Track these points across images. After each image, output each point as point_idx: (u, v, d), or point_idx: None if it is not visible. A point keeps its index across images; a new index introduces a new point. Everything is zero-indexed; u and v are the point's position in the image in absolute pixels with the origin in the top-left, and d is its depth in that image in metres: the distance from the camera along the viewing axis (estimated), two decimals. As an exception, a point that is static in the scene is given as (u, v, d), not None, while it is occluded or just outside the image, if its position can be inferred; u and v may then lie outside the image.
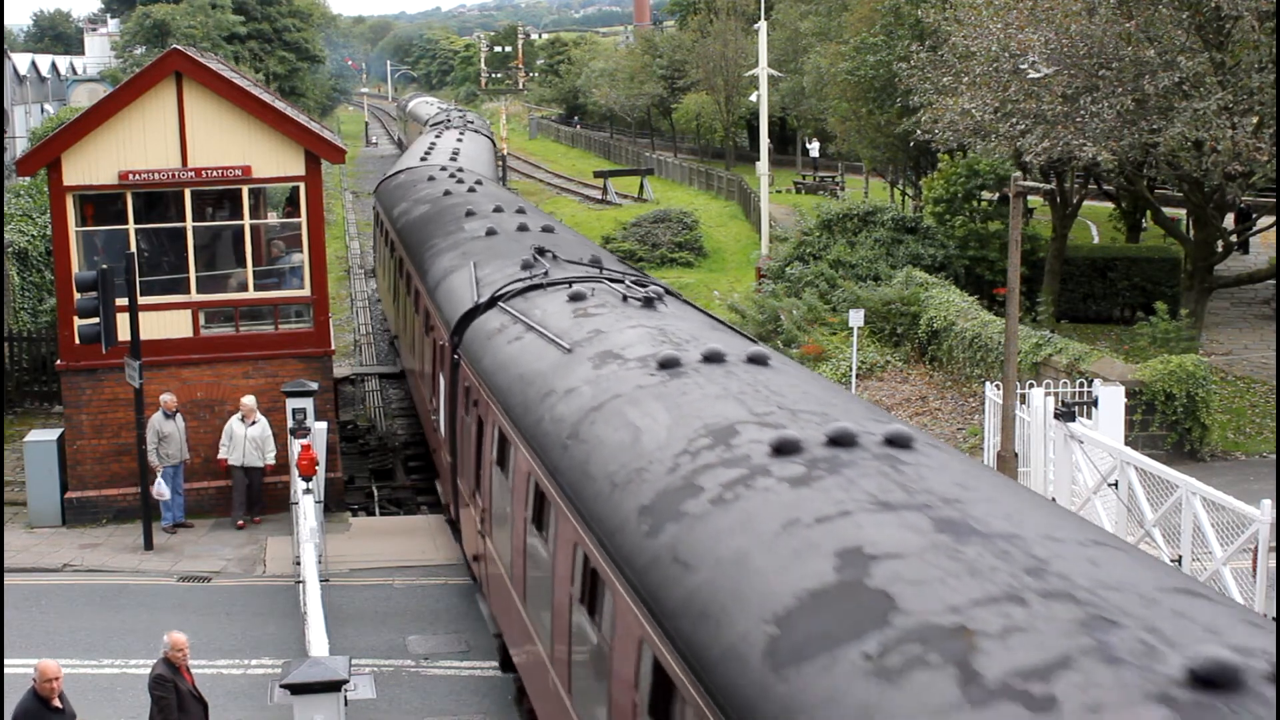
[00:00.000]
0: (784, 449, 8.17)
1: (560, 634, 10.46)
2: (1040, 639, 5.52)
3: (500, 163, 61.56)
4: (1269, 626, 5.92)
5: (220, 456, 21.30)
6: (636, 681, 7.94)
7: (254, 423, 21.15)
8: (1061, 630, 5.57)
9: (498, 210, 23.35)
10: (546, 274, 16.37)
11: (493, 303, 16.00)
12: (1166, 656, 5.28)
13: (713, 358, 10.82)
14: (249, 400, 21.19)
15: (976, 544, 6.55)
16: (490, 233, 20.74)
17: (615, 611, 8.51)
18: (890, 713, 5.36)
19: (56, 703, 11.64)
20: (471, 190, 27.66)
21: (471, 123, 60.29)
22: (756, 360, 10.93)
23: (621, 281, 15.49)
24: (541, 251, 17.60)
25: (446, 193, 27.28)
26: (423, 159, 38.54)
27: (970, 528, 6.80)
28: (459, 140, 45.22)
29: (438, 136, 48.34)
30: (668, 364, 10.80)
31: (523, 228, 21.03)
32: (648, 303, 14.02)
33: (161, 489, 20.55)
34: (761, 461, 8.15)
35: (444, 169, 33.22)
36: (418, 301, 22.09)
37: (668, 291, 15.81)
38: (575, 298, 14.56)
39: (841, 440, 8.15)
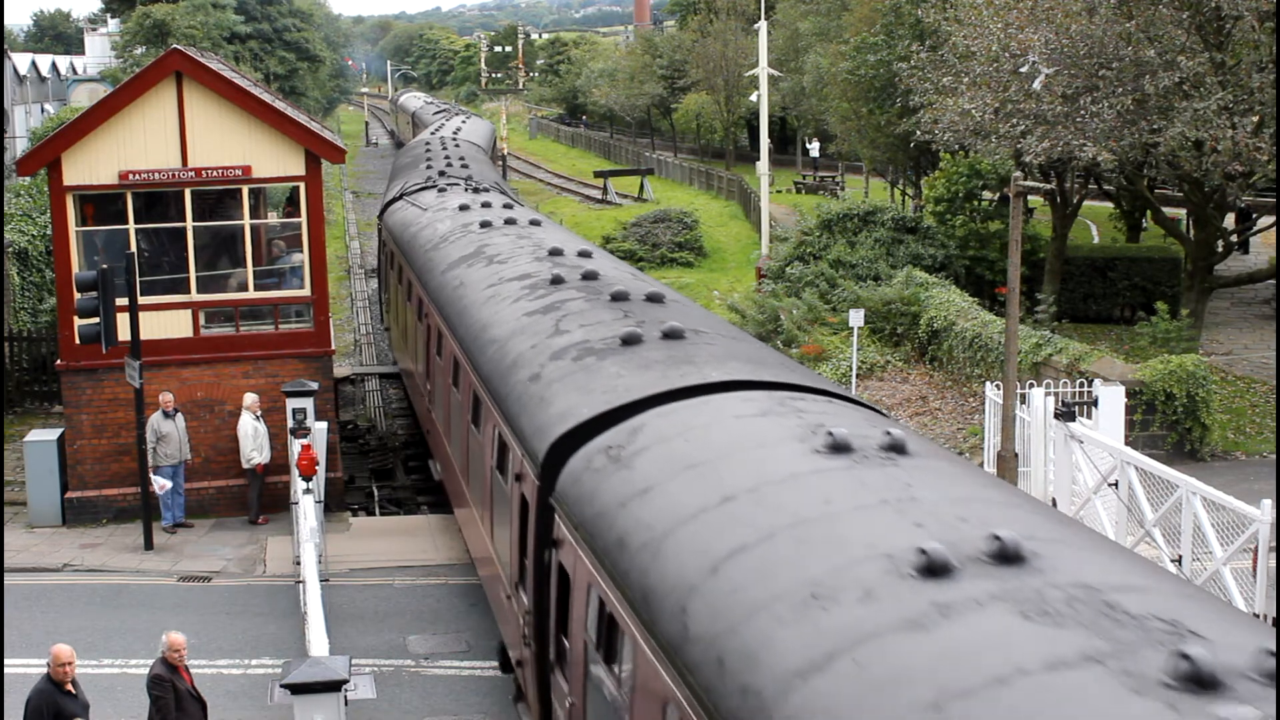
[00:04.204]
0: (484, 225, 20.95)
1: (410, 333, 23.68)
2: (522, 266, 16.60)
3: (501, 162, 64.70)
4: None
5: (257, 462, 21.25)
6: (418, 317, 21.67)
7: (259, 417, 21.24)
8: (528, 257, 17.23)
9: (445, 159, 36.19)
10: (434, 183, 30.25)
11: (401, 196, 30.05)
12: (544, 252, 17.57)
13: (486, 205, 24.48)
14: (256, 396, 21.22)
15: (526, 241, 18.67)
16: (428, 166, 34.41)
17: (417, 296, 21.62)
18: (469, 273, 17.81)
19: (69, 688, 11.67)
20: (444, 148, 39.80)
21: (467, 113, 79.99)
22: (507, 206, 25.02)
23: (475, 187, 29.19)
24: (441, 174, 32.07)
25: (427, 149, 40.16)
26: (432, 133, 50.73)
27: (532, 241, 18.69)
28: (464, 123, 57.94)
29: (447, 120, 61.04)
30: (464, 208, 24.03)
31: (448, 163, 34.85)
32: (476, 191, 28.15)
33: (162, 480, 20.64)
34: (475, 232, 20.60)
35: (440, 139, 44.22)
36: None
37: (495, 190, 30.04)
38: (440, 191, 28.55)
39: (509, 220, 21.40)
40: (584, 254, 17.60)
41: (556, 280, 15.00)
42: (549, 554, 10.45)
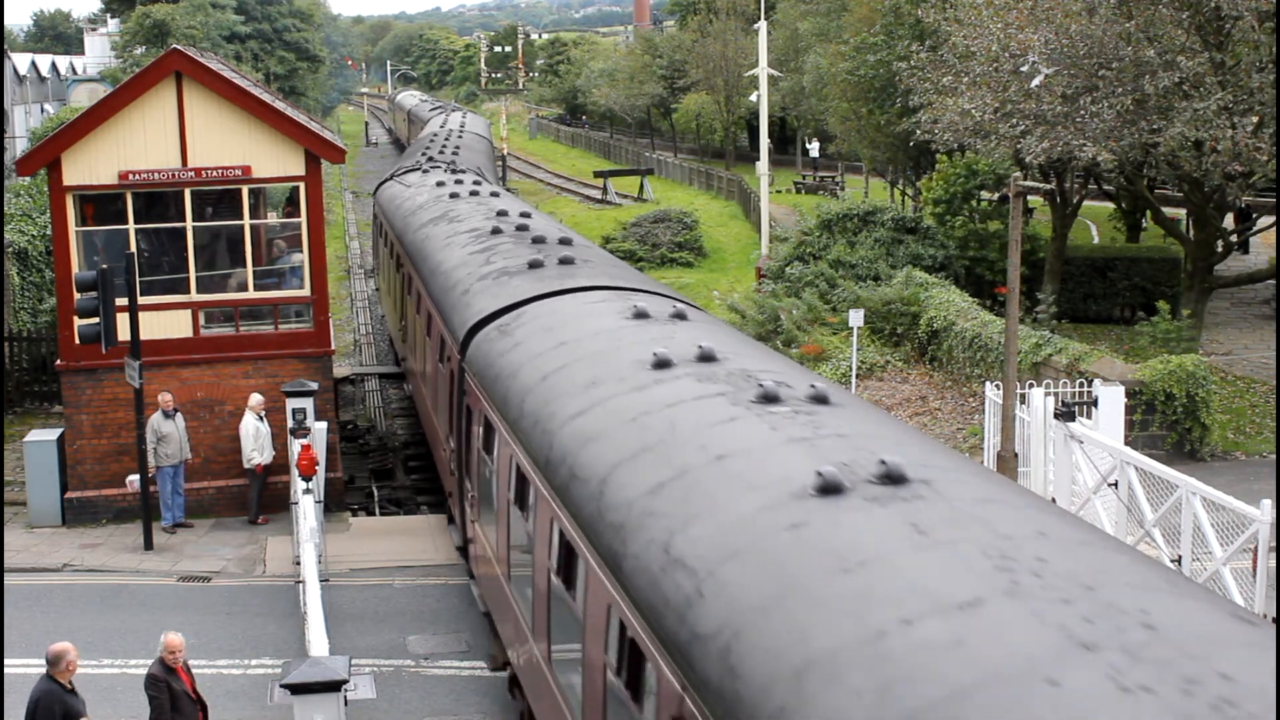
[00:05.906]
0: (452, 196, 26.10)
1: (391, 283, 29.02)
2: (474, 224, 21.36)
3: (500, 162, 65.50)
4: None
5: (258, 462, 21.25)
6: (396, 268, 27.26)
7: (262, 418, 21.24)
8: (481, 218, 21.84)
9: (441, 149, 41.32)
10: (420, 165, 35.37)
11: (392, 177, 35.66)
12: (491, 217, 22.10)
13: (459, 181, 28.98)
14: (261, 397, 21.22)
15: (482, 208, 23.50)
16: (423, 154, 39.31)
17: (396, 252, 26.92)
18: (434, 230, 22.78)
19: (69, 686, 11.67)
20: (444, 139, 45.49)
21: (463, 110, 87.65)
22: (477, 182, 29.08)
23: (454, 169, 34.14)
24: (430, 160, 36.85)
25: (431, 138, 46.99)
26: (440, 126, 56.52)
27: (487, 207, 23.43)
28: (464, 119, 63.07)
29: (448, 116, 65.97)
30: (440, 184, 28.41)
31: (441, 151, 40.09)
32: (454, 172, 33.02)
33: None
34: (445, 201, 25.38)
35: (445, 132, 50.14)
36: None
37: (472, 172, 34.37)
38: (424, 172, 33.47)
39: (474, 193, 26.36)
40: (524, 214, 22.37)
41: (496, 231, 19.82)
42: (464, 403, 15.20)
